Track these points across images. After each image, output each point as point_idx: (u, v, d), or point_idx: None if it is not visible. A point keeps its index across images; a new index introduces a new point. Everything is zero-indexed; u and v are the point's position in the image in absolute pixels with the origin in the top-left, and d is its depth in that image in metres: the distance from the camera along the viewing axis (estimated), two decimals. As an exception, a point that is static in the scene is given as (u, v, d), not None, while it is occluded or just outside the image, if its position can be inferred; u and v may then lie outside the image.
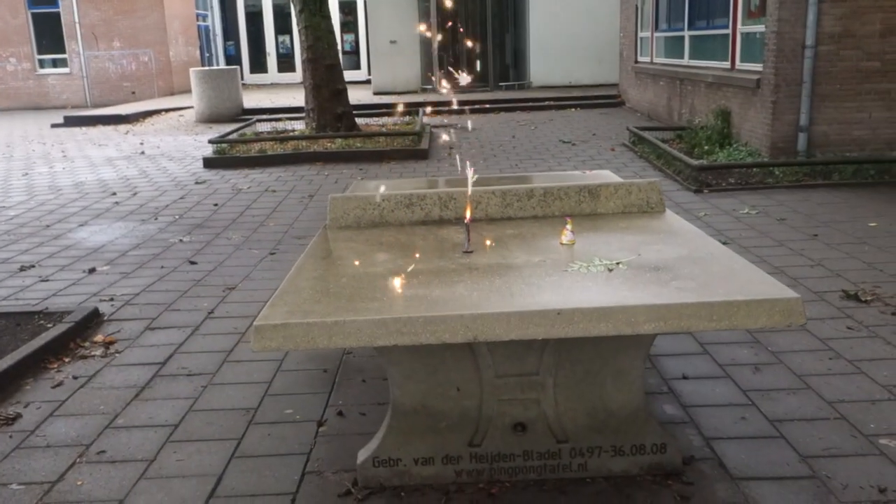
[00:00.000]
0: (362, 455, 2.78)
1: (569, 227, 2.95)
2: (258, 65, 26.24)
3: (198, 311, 4.84)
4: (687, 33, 11.87)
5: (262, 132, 12.56)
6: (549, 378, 2.67)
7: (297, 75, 25.54)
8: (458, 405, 2.70)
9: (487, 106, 16.03)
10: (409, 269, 2.73)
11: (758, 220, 6.62)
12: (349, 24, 25.40)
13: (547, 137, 12.02)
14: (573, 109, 15.71)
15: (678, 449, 2.80)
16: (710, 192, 7.81)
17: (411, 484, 2.75)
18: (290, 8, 23.94)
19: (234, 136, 12.01)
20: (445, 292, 2.46)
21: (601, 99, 16.25)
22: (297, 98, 18.01)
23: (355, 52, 25.46)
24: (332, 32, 11.69)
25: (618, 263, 2.64)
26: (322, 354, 4.01)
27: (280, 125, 13.28)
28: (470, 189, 2.97)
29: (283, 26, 25.80)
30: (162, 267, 5.85)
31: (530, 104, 16.15)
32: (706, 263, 2.61)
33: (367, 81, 21.32)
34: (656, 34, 13.58)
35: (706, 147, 9.46)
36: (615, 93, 16.48)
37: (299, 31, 11.61)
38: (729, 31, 10.09)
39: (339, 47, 12.08)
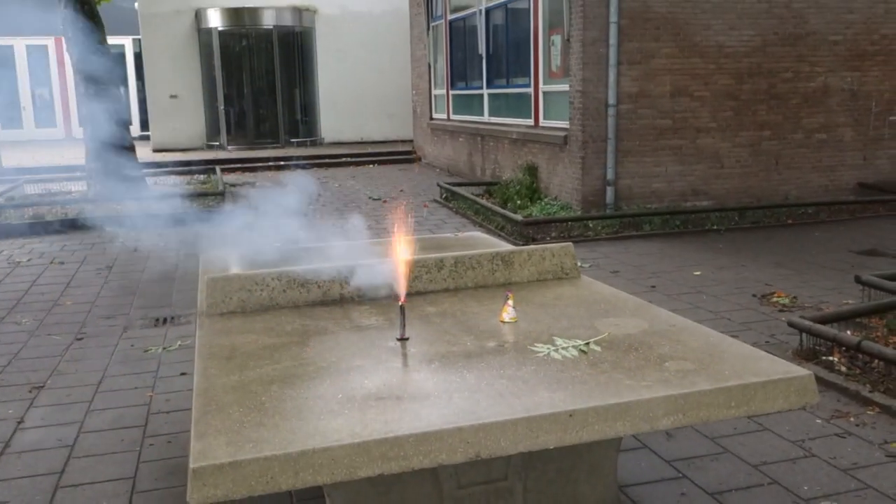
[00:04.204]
0: None
1: (510, 302, 2.62)
2: (12, 120, 23.50)
3: (2, 422, 3.89)
4: (486, 91, 12.18)
5: (32, 195, 11.06)
6: (519, 483, 2.30)
7: (59, 131, 23.27)
8: (415, 527, 2.24)
9: (282, 163, 15.42)
10: (347, 366, 2.25)
11: (594, 273, 6.71)
12: (118, 77, 23.56)
13: (355, 194, 11.70)
14: (371, 166, 15.57)
15: (652, 544, 2.54)
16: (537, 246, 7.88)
17: None
18: (49, 58, 21.84)
19: (1, 199, 10.45)
20: (414, 395, 2.02)
21: (397, 155, 16.28)
22: (66, 156, 16.26)
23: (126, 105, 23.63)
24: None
25: (587, 344, 2.34)
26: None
27: (54, 187, 11.80)
28: (403, 260, 2.54)
29: (40, 77, 23.39)
30: (-63, 366, 4.74)
31: (326, 160, 15.79)
32: (680, 338, 2.39)
33: (143, 138, 19.78)
34: (452, 92, 13.84)
35: (518, 202, 9.62)
36: (410, 149, 16.58)
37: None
38: (531, 89, 10.44)
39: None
